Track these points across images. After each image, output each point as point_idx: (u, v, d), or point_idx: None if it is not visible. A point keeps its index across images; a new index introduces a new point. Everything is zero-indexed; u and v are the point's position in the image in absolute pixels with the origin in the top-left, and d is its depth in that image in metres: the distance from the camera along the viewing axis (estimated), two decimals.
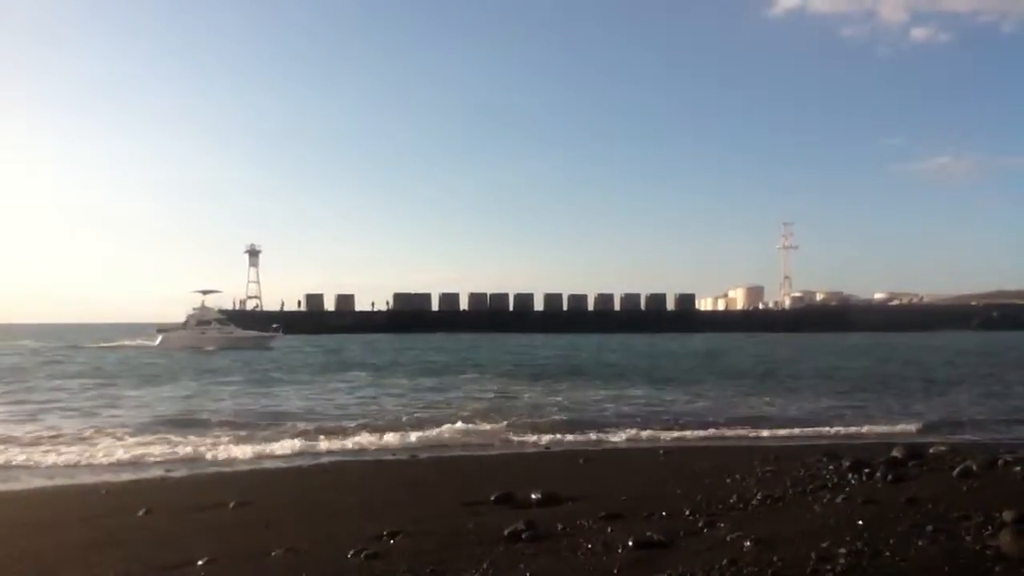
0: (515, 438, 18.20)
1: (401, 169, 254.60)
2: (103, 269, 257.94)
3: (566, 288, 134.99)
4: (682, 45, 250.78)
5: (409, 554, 7.83)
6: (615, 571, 6.38)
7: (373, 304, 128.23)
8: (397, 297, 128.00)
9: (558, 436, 18.30)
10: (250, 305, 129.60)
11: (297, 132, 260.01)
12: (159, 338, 70.21)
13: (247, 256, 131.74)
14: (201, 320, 71.47)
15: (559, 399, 26.73)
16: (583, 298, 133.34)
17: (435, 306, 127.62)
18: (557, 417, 21.61)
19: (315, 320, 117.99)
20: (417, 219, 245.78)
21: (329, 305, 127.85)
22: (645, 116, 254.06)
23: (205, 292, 75.38)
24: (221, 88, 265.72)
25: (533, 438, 18.04)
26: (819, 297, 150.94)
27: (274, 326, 74.74)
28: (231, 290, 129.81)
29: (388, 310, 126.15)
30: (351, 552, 7.87)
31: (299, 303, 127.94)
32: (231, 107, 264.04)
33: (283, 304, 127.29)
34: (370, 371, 41.51)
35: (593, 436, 18.29)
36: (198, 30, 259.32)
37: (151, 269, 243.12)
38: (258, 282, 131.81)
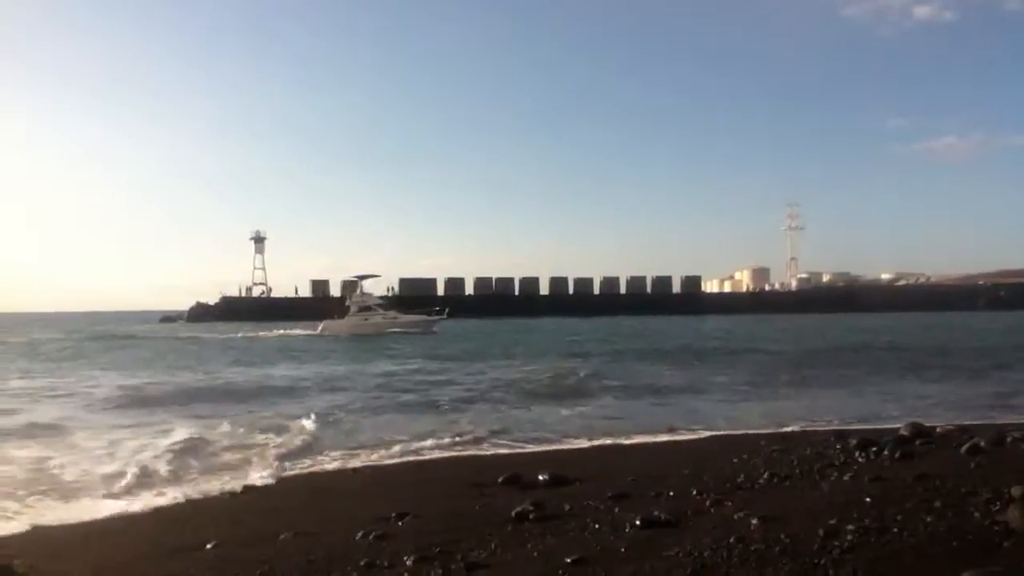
0: None
1: (405, 157, 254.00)
2: (103, 259, 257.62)
3: (571, 272, 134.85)
4: (684, 27, 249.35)
5: (416, 534, 7.87)
6: (622, 549, 6.39)
7: (390, 289, 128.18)
8: (403, 282, 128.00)
9: None
10: (256, 291, 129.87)
11: (299, 121, 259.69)
12: (320, 326, 68.33)
13: (252, 243, 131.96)
14: (363, 306, 69.62)
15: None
16: (588, 282, 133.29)
17: (440, 291, 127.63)
18: None
19: (321, 306, 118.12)
20: (421, 205, 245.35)
21: (335, 291, 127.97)
22: (649, 101, 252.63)
23: (362, 277, 74.17)
24: (221, 78, 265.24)
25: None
26: (825, 278, 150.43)
27: (436, 309, 71.45)
28: (237, 277, 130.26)
29: (393, 295, 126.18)
30: (359, 534, 7.91)
31: (295, 289, 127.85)
32: (232, 97, 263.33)
33: (297, 290, 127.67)
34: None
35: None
36: (198, 22, 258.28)
37: (152, 258, 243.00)
38: (264, 269, 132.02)
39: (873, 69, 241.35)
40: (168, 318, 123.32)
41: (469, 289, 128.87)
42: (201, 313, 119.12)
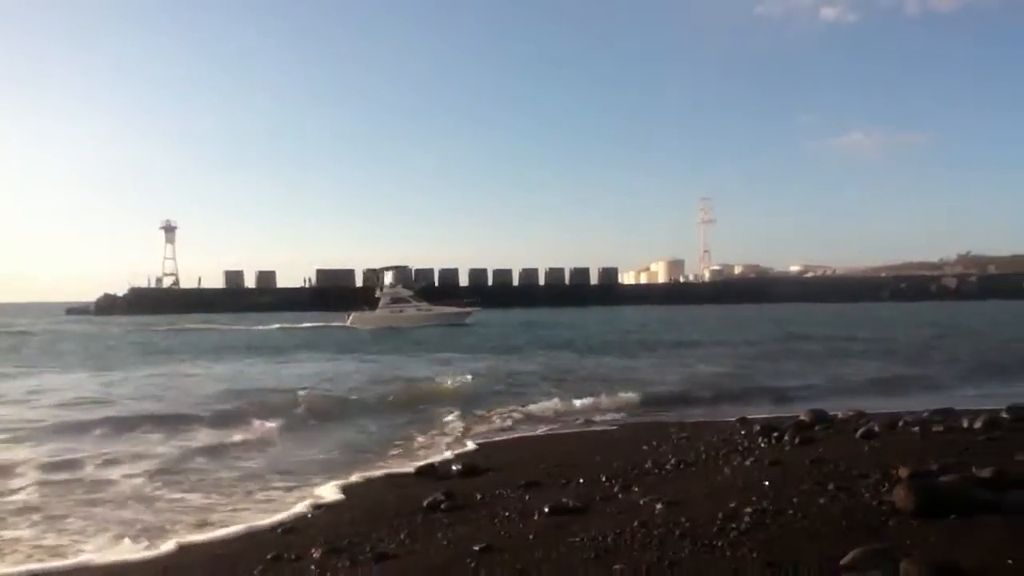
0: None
1: (322, 149, 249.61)
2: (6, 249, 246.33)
3: (491, 263, 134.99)
4: (599, 21, 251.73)
5: (327, 527, 7.84)
6: (530, 536, 6.49)
7: (307, 280, 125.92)
8: (320, 273, 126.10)
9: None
10: (167, 283, 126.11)
11: (215, 111, 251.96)
12: (350, 318, 64.24)
13: (163, 233, 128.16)
14: (396, 298, 65.98)
15: None
16: (507, 273, 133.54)
17: (358, 282, 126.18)
18: None
19: (235, 298, 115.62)
20: (340, 196, 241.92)
21: (250, 282, 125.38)
22: (565, 93, 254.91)
23: (389, 269, 71.16)
24: (134, 65, 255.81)
25: None
26: (737, 270, 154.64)
27: (467, 300, 69.29)
28: (147, 269, 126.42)
29: (311, 287, 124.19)
30: (268, 524, 7.84)
31: (199, 280, 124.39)
32: (146, 86, 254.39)
33: (200, 280, 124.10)
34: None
35: None
36: (103, 13, 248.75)
37: (56, 248, 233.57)
38: (174, 259, 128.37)
39: (784, 67, 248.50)
40: (74, 310, 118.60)
41: (388, 280, 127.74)
42: (109, 305, 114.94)
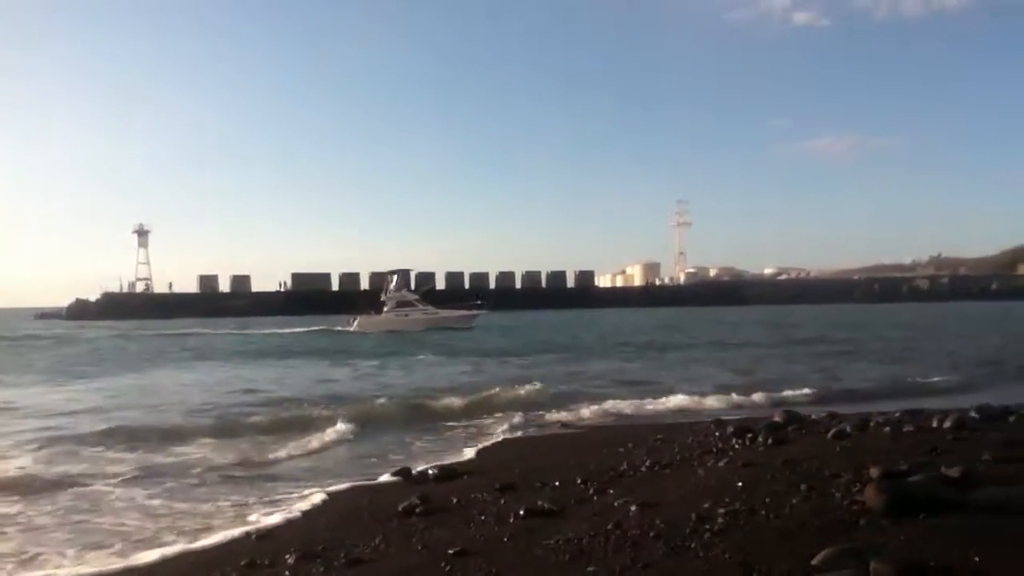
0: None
1: (298, 151, 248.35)
2: None
3: (467, 266, 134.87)
4: (574, 25, 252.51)
5: (301, 532, 7.80)
6: (505, 539, 6.50)
7: (282, 284, 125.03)
8: (295, 277, 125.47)
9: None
10: (140, 287, 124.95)
11: (188, 113, 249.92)
12: (355, 322, 63.02)
13: (136, 237, 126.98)
14: (402, 301, 65.02)
15: None
16: (484, 276, 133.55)
17: (335, 285, 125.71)
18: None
19: (209, 302, 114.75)
20: (315, 199, 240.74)
21: (224, 286, 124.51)
22: (543, 97, 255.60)
23: (393, 272, 69.76)
24: (102, 66, 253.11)
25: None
26: (712, 273, 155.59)
27: (477, 302, 68.36)
28: (120, 272, 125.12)
29: (286, 290, 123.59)
30: (241, 532, 7.80)
31: (170, 285, 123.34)
32: (118, 88, 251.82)
33: (171, 285, 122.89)
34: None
35: None
36: (75, 13, 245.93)
37: (28, 253, 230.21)
38: (148, 263, 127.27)
39: (756, 71, 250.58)
40: (45, 315, 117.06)
41: (365, 284, 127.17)
42: (81, 310, 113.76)
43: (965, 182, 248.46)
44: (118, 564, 7.26)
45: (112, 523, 8.84)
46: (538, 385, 20.50)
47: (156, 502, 9.81)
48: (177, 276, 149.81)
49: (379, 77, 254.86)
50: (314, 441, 13.78)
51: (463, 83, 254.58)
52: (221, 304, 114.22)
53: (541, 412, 16.99)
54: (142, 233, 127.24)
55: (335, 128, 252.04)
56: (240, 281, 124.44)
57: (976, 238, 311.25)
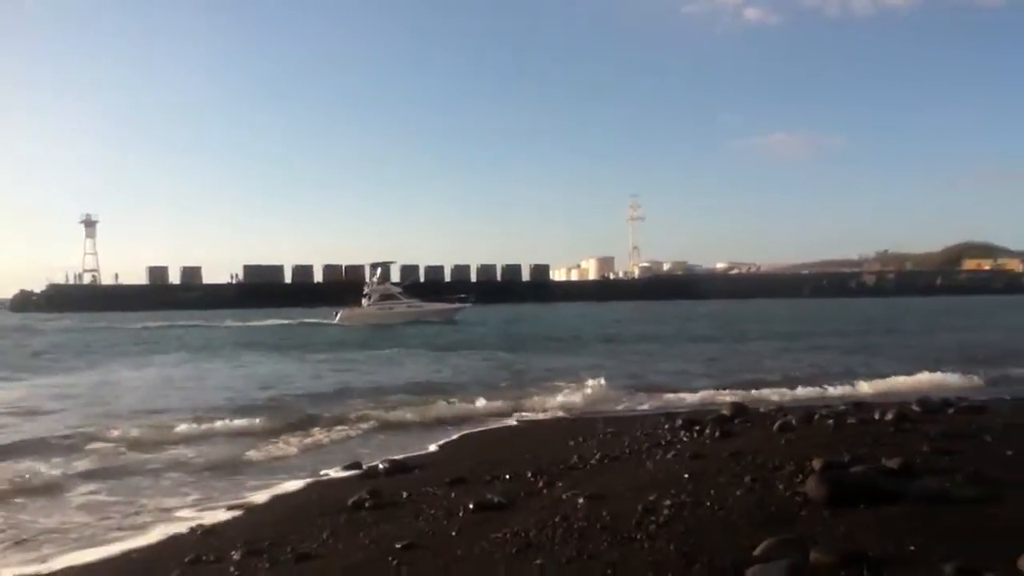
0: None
1: (249, 140, 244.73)
2: None
3: (423, 259, 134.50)
4: (528, 20, 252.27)
5: (248, 528, 7.73)
6: (453, 533, 6.51)
7: (233, 276, 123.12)
8: (247, 269, 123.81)
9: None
10: (87, 279, 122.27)
11: (133, 101, 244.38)
12: (338, 315, 62.19)
13: (83, 227, 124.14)
14: (385, 295, 64.18)
15: None
16: (440, 269, 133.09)
17: (288, 278, 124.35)
18: None
19: (159, 295, 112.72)
20: (267, 190, 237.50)
21: (175, 278, 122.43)
22: (495, 92, 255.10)
23: (376, 265, 69.24)
24: (48, 55, 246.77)
25: None
26: (666, 267, 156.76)
27: (461, 296, 66.93)
28: (66, 264, 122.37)
29: (238, 283, 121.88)
30: (186, 529, 7.70)
31: (116, 276, 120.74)
32: (65, 75, 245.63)
33: (117, 277, 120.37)
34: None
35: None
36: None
37: None
38: (95, 254, 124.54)
39: (710, 66, 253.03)
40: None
41: (319, 276, 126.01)
42: (24, 302, 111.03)
43: (912, 180, 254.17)
44: (55, 565, 7.11)
45: (57, 522, 8.67)
46: (601, 381, 19.77)
47: (109, 499, 9.68)
48: (125, 268, 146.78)
49: (331, 69, 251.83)
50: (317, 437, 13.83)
51: (414, 78, 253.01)
52: (171, 296, 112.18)
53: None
54: (89, 224, 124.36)
55: (286, 119, 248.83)
56: (191, 273, 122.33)
57: (922, 235, 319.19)
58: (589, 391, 18.82)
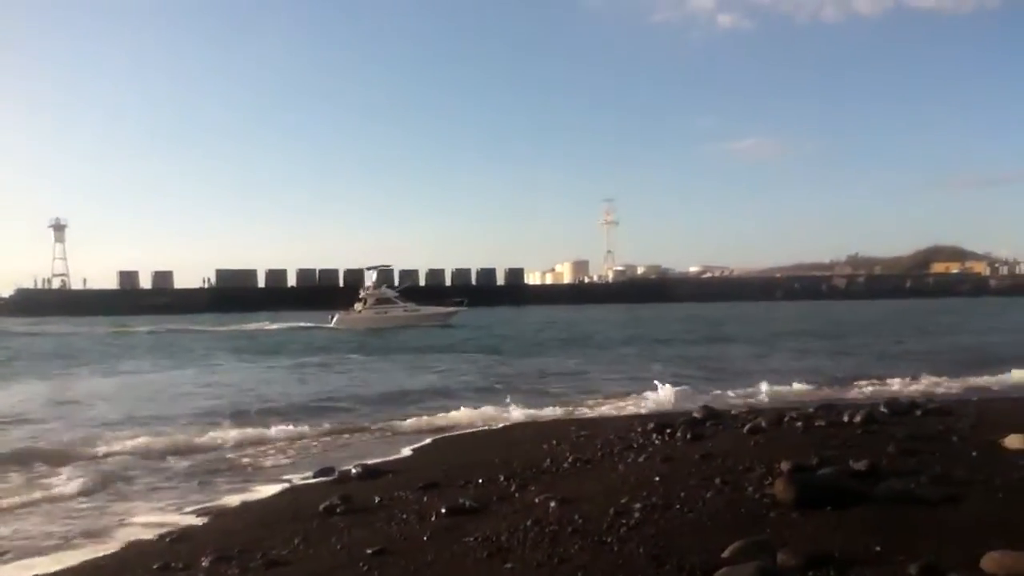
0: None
1: (222, 143, 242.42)
2: None
3: (397, 264, 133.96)
4: (501, 26, 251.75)
5: (218, 533, 7.67)
6: (425, 538, 6.50)
7: (206, 280, 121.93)
8: (220, 273, 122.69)
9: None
10: (56, 284, 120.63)
11: (106, 103, 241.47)
12: (334, 319, 61.61)
13: (52, 231, 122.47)
14: (381, 298, 63.85)
15: None
16: (414, 273, 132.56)
17: (261, 283, 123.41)
18: None
19: (130, 299, 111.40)
20: (240, 194, 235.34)
21: (145, 283, 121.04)
22: (471, 95, 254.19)
23: (372, 268, 68.70)
24: (16, 58, 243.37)
25: None
26: (640, 271, 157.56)
27: (456, 300, 66.91)
28: (34, 268, 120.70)
29: (210, 287, 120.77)
30: (155, 535, 7.63)
31: (84, 281, 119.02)
32: (31, 78, 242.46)
33: (85, 281, 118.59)
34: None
35: None
36: None
37: None
38: (65, 259, 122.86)
39: (682, 72, 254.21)
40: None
41: (292, 281, 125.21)
42: None
43: (883, 184, 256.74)
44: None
45: (19, 531, 8.55)
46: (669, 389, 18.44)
47: (77, 505, 9.57)
48: (97, 273, 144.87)
49: (296, 72, 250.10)
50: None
51: (387, 79, 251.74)
52: (142, 301, 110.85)
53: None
54: (59, 228, 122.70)
55: (256, 123, 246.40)
56: (162, 277, 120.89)
57: (892, 239, 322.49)
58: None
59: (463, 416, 16.15)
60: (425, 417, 16.01)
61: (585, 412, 16.68)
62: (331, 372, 27.68)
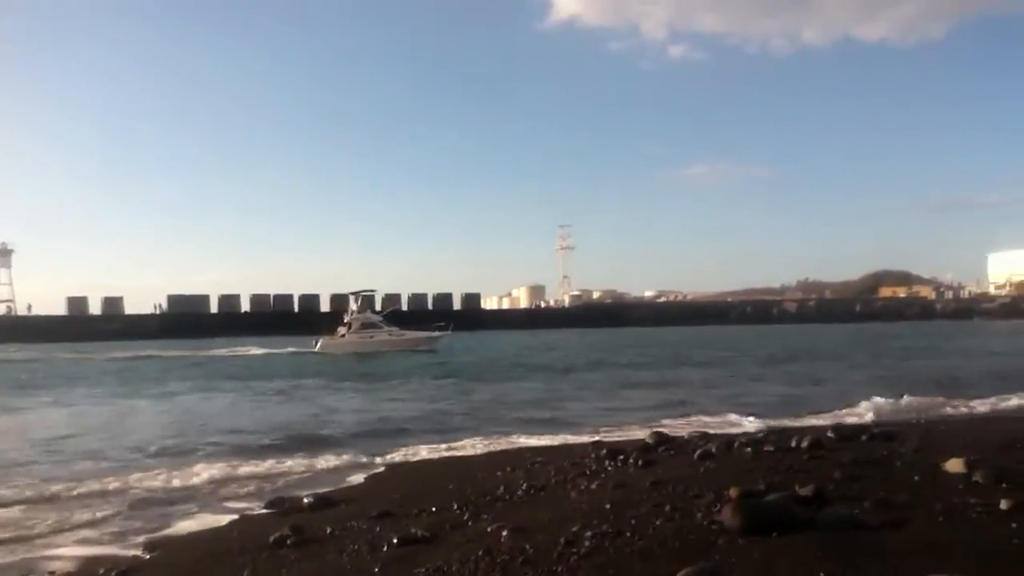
0: None
1: (172, 169, 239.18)
2: None
3: (353, 288, 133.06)
4: (457, 53, 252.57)
5: (165, 567, 7.55)
6: (376, 570, 6.47)
7: (157, 307, 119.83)
8: (172, 299, 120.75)
9: None
10: (1, 310, 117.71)
11: (52, 123, 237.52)
12: (318, 343, 61.14)
13: None
14: (366, 323, 63.36)
15: None
16: (370, 298, 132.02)
17: (214, 307, 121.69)
18: None
19: (78, 326, 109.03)
20: (192, 219, 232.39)
21: (95, 308, 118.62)
22: (425, 120, 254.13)
23: (356, 293, 67.32)
24: None
25: None
26: (596, 295, 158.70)
27: (440, 324, 65.76)
28: None
29: (162, 313, 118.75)
30: (101, 570, 7.48)
31: (29, 307, 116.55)
32: None
33: (30, 307, 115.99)
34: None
35: None
36: None
37: None
38: (11, 284, 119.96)
39: (634, 100, 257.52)
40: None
41: (245, 306, 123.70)
42: None
43: (832, 210, 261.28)
44: None
45: None
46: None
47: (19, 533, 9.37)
48: (45, 299, 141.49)
49: (254, 94, 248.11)
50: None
51: (342, 105, 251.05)
52: (92, 327, 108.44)
53: None
54: (5, 253, 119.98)
55: (207, 150, 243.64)
56: (112, 303, 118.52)
57: (841, 264, 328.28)
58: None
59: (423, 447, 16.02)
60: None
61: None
62: (293, 400, 27.29)
